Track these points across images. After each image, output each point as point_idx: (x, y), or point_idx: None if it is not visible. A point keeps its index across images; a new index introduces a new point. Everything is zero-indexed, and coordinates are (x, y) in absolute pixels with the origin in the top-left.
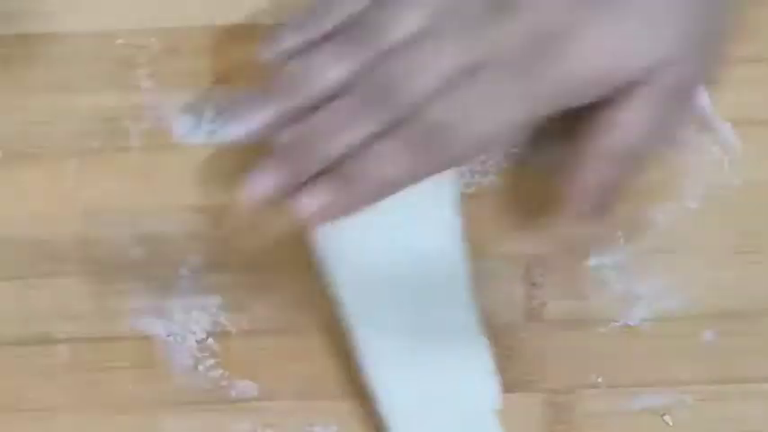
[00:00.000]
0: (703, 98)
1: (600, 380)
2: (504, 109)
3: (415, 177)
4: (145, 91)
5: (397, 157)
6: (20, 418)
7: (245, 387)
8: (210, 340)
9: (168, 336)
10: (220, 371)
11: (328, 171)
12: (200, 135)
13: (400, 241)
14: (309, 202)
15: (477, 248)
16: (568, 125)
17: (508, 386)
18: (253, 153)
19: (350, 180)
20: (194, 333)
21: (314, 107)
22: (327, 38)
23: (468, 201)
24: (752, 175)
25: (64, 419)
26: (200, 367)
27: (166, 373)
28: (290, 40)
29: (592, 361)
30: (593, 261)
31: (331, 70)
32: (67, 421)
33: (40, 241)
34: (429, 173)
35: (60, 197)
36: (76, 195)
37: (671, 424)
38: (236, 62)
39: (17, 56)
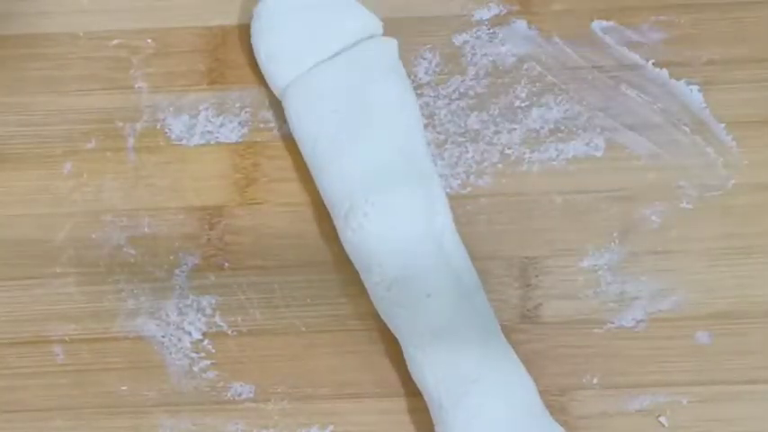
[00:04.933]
0: (698, 98)
1: (595, 381)
2: None
3: None
4: (140, 92)
5: None
6: (15, 418)
7: (241, 388)
8: (206, 341)
9: (163, 336)
10: (216, 372)
11: None
12: (194, 135)
13: None
14: None
15: (472, 249)
16: None
17: None
18: (247, 153)
19: None
20: (189, 334)
21: None
22: None
23: (464, 202)
24: (746, 176)
25: (59, 420)
26: (196, 368)
27: (162, 374)
28: None
29: (587, 362)
30: (588, 262)
31: None
32: (63, 421)
33: (34, 242)
34: None
35: (55, 198)
36: (71, 196)
37: (666, 425)
38: (231, 63)
39: (12, 56)
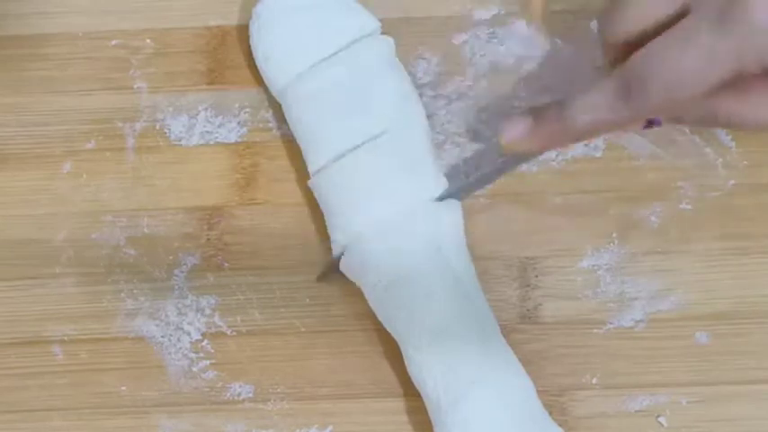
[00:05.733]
0: None
1: (594, 381)
2: (694, 60)
3: (608, 125)
4: (139, 92)
5: (596, 102)
6: (15, 418)
7: (241, 388)
8: (205, 341)
9: (163, 337)
10: (215, 372)
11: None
12: (194, 136)
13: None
14: (513, 130)
15: (472, 250)
16: None
17: None
18: (247, 153)
19: (551, 118)
20: (189, 334)
21: None
22: None
23: (463, 202)
24: (745, 176)
25: (58, 420)
26: (195, 368)
27: (161, 375)
28: None
29: (586, 362)
30: (587, 262)
31: None
32: (62, 422)
33: (34, 242)
34: (624, 121)
35: (55, 198)
36: (70, 196)
37: (665, 425)
38: (230, 63)
39: (11, 57)
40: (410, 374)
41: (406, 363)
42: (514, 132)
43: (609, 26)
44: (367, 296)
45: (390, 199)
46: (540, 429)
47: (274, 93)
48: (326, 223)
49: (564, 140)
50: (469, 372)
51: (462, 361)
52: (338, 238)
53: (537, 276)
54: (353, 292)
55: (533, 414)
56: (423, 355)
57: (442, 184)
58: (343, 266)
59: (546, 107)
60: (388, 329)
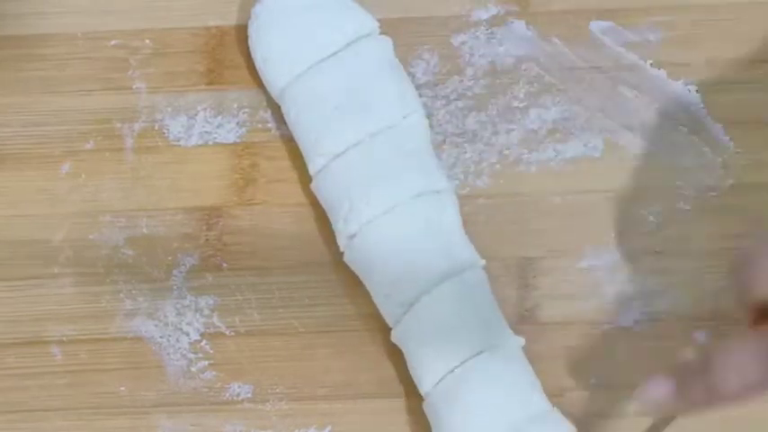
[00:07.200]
0: (696, 99)
1: (593, 381)
2: None
3: (763, 390)
4: (138, 92)
5: (749, 367)
6: (13, 418)
7: (239, 388)
8: (204, 341)
9: (161, 337)
10: (214, 372)
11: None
12: (193, 136)
13: None
14: (655, 392)
15: None
16: None
17: None
18: (246, 154)
19: (697, 381)
20: (187, 334)
21: None
22: None
23: (462, 202)
24: (744, 176)
25: (57, 420)
26: (194, 369)
27: (160, 375)
28: None
29: (585, 362)
30: (586, 263)
31: None
32: (61, 422)
33: (32, 242)
34: None
35: (53, 198)
36: (70, 196)
37: None
38: (229, 63)
39: (10, 57)
40: (411, 372)
41: (407, 360)
42: (656, 394)
43: (749, 288)
44: (371, 293)
45: (393, 188)
46: (543, 428)
47: (273, 94)
48: (330, 219)
49: (711, 406)
50: (469, 370)
51: (462, 359)
52: (342, 230)
53: (535, 277)
54: (353, 293)
55: (536, 412)
56: (425, 353)
57: (442, 184)
58: (348, 258)
59: (689, 367)
60: (391, 326)
